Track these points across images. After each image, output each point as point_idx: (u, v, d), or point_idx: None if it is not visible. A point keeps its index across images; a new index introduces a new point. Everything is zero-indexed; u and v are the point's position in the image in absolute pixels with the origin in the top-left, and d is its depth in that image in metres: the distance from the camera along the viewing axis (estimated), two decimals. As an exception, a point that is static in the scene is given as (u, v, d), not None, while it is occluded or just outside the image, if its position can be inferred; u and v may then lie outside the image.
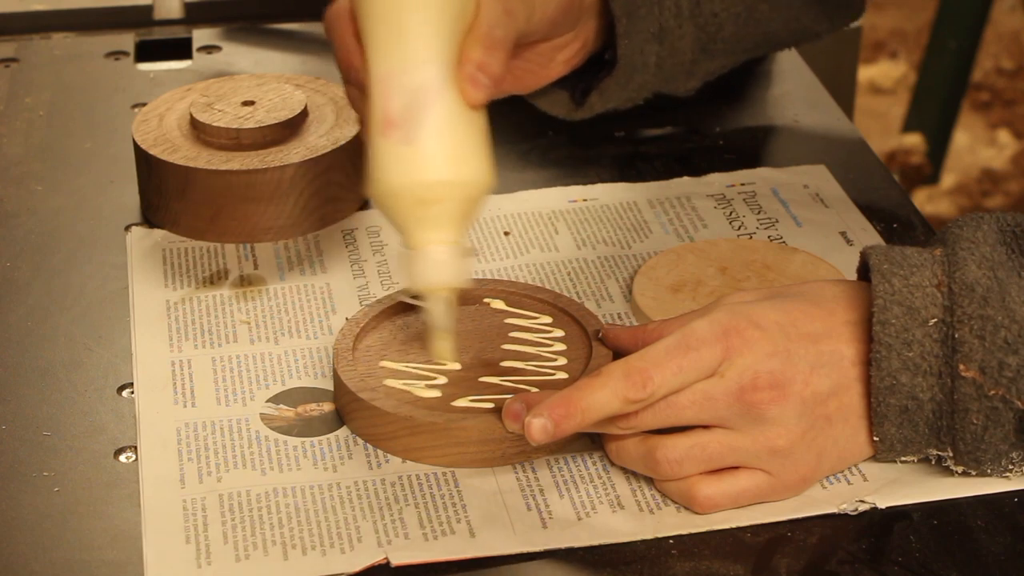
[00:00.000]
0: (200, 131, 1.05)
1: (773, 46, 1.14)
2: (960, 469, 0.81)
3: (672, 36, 1.00)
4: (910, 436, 0.81)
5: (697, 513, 0.81)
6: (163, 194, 1.05)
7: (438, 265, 0.83)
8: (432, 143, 0.82)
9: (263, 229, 1.04)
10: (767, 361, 0.80)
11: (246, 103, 1.07)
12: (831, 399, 0.81)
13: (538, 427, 0.80)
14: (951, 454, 0.81)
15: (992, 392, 0.78)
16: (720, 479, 0.81)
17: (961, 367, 0.78)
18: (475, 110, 0.83)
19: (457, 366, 0.88)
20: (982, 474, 0.82)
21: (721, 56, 1.06)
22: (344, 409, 0.88)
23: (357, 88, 0.85)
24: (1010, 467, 0.81)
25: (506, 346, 0.90)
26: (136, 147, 1.05)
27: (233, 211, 1.03)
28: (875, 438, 0.81)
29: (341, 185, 1.05)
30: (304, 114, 1.07)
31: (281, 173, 1.02)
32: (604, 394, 0.79)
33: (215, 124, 1.05)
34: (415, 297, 0.86)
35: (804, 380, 0.80)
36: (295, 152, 1.03)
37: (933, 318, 0.79)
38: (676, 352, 0.80)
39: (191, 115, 1.06)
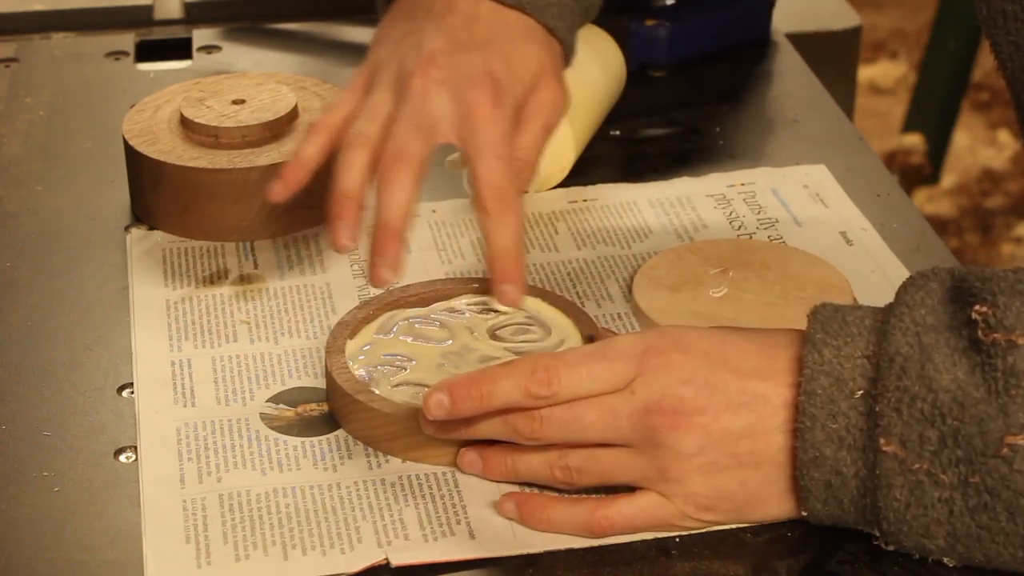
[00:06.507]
0: (186, 126, 1.05)
1: None
2: (892, 548, 0.77)
3: None
4: (836, 514, 0.77)
5: (595, 536, 0.79)
6: (139, 185, 1.05)
7: None
8: None
9: (228, 229, 1.03)
10: (679, 386, 0.77)
11: (236, 101, 1.07)
12: (743, 440, 0.77)
13: (434, 402, 0.79)
14: (878, 533, 0.77)
15: (916, 466, 0.74)
16: (615, 498, 0.79)
17: (882, 441, 0.74)
18: None
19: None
20: (911, 553, 0.77)
21: None
22: (340, 412, 0.87)
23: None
24: (935, 551, 0.76)
25: (505, 345, 0.90)
26: (124, 136, 1.06)
27: (199, 208, 1.03)
28: (803, 512, 0.78)
29: (312, 192, 1.01)
30: (290, 117, 1.06)
31: (246, 175, 1.02)
32: (507, 383, 0.78)
33: (198, 120, 1.05)
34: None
35: (715, 414, 0.77)
36: (265, 155, 1.03)
37: (860, 390, 0.75)
38: (590, 359, 0.79)
39: (180, 109, 1.06)
